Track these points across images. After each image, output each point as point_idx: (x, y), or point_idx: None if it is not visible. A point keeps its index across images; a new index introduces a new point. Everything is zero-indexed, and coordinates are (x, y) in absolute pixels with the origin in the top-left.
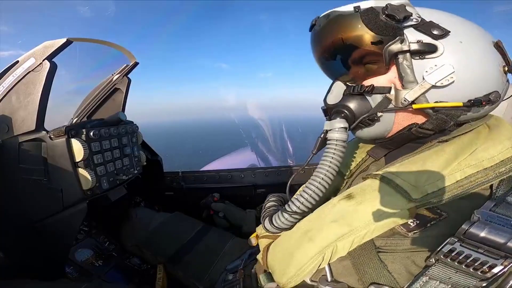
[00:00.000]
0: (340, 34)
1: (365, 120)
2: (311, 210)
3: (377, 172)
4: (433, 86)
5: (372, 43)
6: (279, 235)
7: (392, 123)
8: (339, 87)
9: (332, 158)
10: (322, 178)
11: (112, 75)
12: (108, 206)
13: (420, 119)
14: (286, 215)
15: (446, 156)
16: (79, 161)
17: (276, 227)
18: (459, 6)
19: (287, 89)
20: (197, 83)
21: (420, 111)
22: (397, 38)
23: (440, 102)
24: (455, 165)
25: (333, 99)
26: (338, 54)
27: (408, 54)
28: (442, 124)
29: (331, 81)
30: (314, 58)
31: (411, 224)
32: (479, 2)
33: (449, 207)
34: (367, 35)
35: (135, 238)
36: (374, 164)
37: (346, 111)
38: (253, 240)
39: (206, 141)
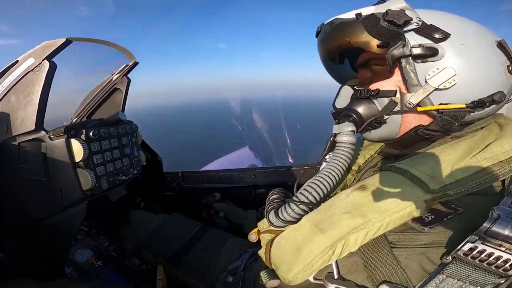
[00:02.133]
0: (344, 41)
1: (373, 122)
2: (319, 203)
3: (390, 164)
4: (436, 89)
5: (376, 48)
6: (283, 230)
7: (399, 125)
8: (347, 91)
9: (341, 158)
10: (331, 172)
11: (112, 75)
12: (108, 207)
13: (426, 121)
14: (293, 206)
15: (461, 150)
16: (79, 161)
17: (283, 219)
18: (464, 5)
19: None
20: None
21: (426, 113)
22: (399, 43)
23: (444, 104)
24: (471, 158)
25: (341, 103)
26: (344, 60)
27: (410, 58)
28: (447, 125)
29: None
30: (322, 63)
31: (426, 218)
32: (485, 1)
33: (463, 203)
34: (370, 41)
35: (134, 239)
36: (383, 161)
37: (354, 115)
38: (253, 236)
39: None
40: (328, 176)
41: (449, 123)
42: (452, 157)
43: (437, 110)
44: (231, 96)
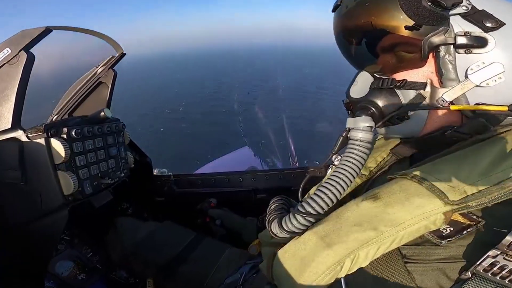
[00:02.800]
0: (371, 18)
1: (394, 118)
2: (327, 213)
3: (406, 171)
4: (477, 86)
5: (410, 32)
6: (286, 242)
7: (424, 123)
8: (365, 79)
9: (354, 159)
10: (342, 178)
11: (96, 67)
12: (92, 213)
13: (455, 121)
14: (299, 217)
15: (486, 156)
16: (60, 163)
17: (287, 231)
18: None
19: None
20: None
21: (457, 112)
22: (441, 28)
23: (482, 104)
24: (496, 165)
25: (357, 92)
26: (366, 42)
27: (451, 47)
28: (480, 129)
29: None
30: (336, 43)
31: (444, 231)
32: None
33: (486, 214)
34: (405, 23)
35: (121, 249)
36: (397, 164)
37: (372, 108)
38: (254, 248)
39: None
40: (339, 183)
41: (483, 126)
42: (475, 164)
43: (473, 110)
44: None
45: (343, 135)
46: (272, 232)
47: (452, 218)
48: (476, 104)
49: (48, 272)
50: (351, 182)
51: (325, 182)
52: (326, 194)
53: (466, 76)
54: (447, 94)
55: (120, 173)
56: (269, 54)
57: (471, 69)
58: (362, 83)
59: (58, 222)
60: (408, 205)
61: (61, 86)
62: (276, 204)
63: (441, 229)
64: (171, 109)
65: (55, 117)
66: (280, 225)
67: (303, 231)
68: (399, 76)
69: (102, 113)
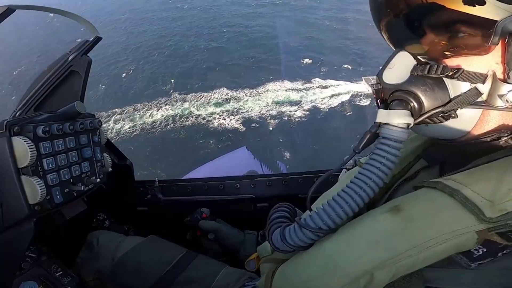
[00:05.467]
0: None
1: (438, 115)
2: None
3: (436, 180)
4: None
5: (478, 9)
6: (288, 258)
7: (473, 124)
8: (406, 62)
9: (383, 163)
10: (366, 185)
11: (68, 53)
12: (63, 226)
13: (506, 127)
14: (306, 230)
15: None
16: (24, 167)
17: (291, 244)
18: None
19: None
20: None
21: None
22: None
23: None
24: None
25: (394, 77)
26: (415, 11)
27: None
28: None
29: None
30: (371, 13)
31: (476, 251)
32: None
33: None
34: None
35: (97, 269)
36: (425, 171)
37: (413, 101)
38: (252, 263)
39: None
40: (361, 192)
41: None
42: None
43: None
44: None
45: (372, 130)
46: (273, 244)
47: (486, 238)
48: None
49: None
50: (377, 191)
51: (343, 189)
52: (341, 207)
53: None
54: None
55: (96, 179)
56: None
57: None
58: (400, 67)
59: (22, 236)
60: (436, 221)
61: (25, 76)
62: (277, 214)
63: (471, 250)
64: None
65: (19, 112)
66: (283, 237)
67: (309, 245)
68: (452, 62)
69: (74, 108)
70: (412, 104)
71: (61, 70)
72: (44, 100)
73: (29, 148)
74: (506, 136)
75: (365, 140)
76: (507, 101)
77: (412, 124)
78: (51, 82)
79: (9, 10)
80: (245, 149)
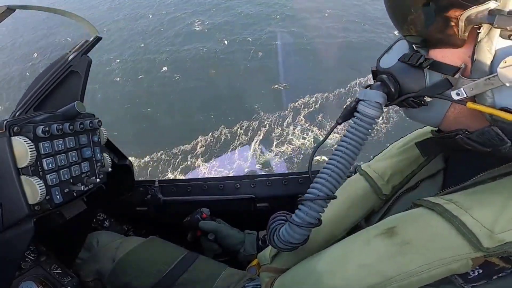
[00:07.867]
0: None
1: (409, 100)
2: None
3: (435, 201)
4: (505, 87)
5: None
6: (286, 268)
7: (442, 115)
8: (401, 49)
9: (352, 139)
10: (342, 157)
11: (67, 53)
12: (62, 226)
13: (474, 125)
14: (295, 227)
15: None
16: (24, 167)
17: (288, 242)
18: None
19: None
20: None
21: (480, 114)
22: (487, 2)
23: (507, 110)
24: None
25: (387, 61)
26: (413, 4)
27: (497, 30)
28: (492, 141)
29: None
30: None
31: (471, 273)
32: None
33: None
34: None
35: (97, 270)
36: (427, 182)
37: (390, 84)
38: (254, 269)
39: None
40: (337, 166)
41: (499, 140)
42: None
43: (491, 115)
44: None
45: (351, 106)
46: (274, 242)
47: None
48: (500, 108)
49: None
50: (354, 160)
51: (323, 168)
52: (323, 184)
53: (495, 70)
54: (468, 87)
55: (96, 179)
56: None
57: (505, 61)
58: (395, 53)
59: (21, 236)
60: (431, 247)
61: (26, 76)
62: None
63: (468, 271)
64: None
65: (19, 112)
66: (278, 236)
67: (305, 241)
68: (433, 53)
69: (74, 108)
70: (389, 87)
71: (61, 70)
72: (44, 100)
73: (29, 148)
74: (461, 133)
75: (345, 113)
76: (457, 94)
77: (383, 105)
78: (51, 82)
79: (9, 10)
80: (246, 147)
